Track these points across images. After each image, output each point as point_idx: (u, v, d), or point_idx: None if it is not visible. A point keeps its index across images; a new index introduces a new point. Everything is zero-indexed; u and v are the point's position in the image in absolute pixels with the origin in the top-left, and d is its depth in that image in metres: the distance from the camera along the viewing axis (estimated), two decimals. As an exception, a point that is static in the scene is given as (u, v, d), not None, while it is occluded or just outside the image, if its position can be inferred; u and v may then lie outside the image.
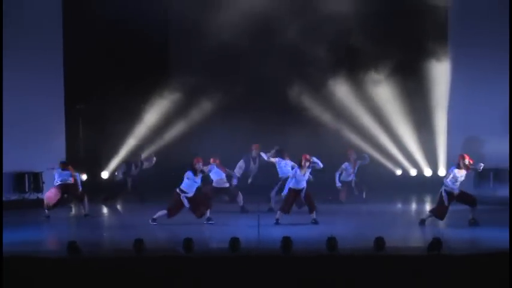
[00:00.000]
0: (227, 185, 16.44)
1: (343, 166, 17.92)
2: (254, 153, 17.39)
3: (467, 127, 18.03)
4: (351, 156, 18.06)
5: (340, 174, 17.80)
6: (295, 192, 14.57)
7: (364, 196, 17.97)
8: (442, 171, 19.07)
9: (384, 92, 19.86)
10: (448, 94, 18.66)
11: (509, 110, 13.79)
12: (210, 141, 17.66)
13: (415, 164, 20.48)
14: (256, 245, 11.81)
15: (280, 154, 16.74)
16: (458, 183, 14.02)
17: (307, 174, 14.60)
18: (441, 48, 18.84)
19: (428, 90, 19.60)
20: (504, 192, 17.11)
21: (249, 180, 17.47)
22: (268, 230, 13.27)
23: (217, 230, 13.57)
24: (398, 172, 20.74)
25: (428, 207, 16.35)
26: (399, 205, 18.26)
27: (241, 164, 17.29)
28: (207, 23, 18.68)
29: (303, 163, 14.49)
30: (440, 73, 18.98)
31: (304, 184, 14.57)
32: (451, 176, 13.96)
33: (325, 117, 20.18)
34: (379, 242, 10.88)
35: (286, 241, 10.83)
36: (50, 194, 15.83)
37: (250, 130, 18.43)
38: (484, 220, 14.41)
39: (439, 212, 14.05)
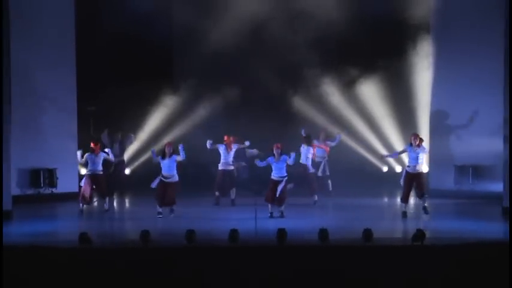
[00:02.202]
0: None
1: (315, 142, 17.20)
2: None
3: (449, 126, 17.98)
4: (320, 135, 17.49)
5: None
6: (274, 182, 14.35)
7: (330, 188, 17.59)
8: (425, 168, 19.01)
9: (370, 92, 19.80)
10: (430, 94, 18.60)
11: (510, 109, 13.73)
12: (211, 138, 17.61)
13: (400, 161, 20.46)
14: (253, 236, 11.81)
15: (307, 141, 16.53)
16: (416, 161, 14.09)
17: (282, 162, 14.25)
18: (424, 49, 18.79)
19: (412, 90, 19.53)
20: (482, 187, 17.11)
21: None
22: (264, 223, 13.28)
23: (218, 223, 13.54)
24: (385, 169, 20.70)
25: (412, 201, 16.34)
26: (385, 199, 18.24)
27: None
28: (207, 31, 18.73)
29: (274, 151, 14.26)
30: (423, 74, 18.92)
31: (282, 173, 14.32)
32: (407, 153, 14.17)
33: (316, 116, 20.13)
34: (367, 233, 10.87)
35: (281, 232, 10.82)
36: (83, 187, 15.45)
37: (248, 127, 18.31)
38: (464, 213, 14.45)
39: (404, 194, 14.23)
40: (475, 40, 17.18)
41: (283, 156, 14.28)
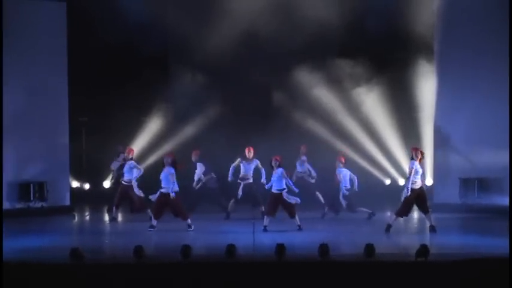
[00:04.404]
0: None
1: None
2: (193, 158, 17.05)
3: (453, 138, 18.00)
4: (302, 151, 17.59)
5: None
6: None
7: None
8: (429, 181, 18.99)
9: (372, 103, 19.81)
10: (434, 106, 18.62)
11: (510, 117, 13.72)
12: (206, 147, 17.57)
13: (403, 174, 20.43)
14: (251, 251, 11.76)
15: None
16: (419, 176, 13.90)
17: (276, 175, 14.27)
18: (428, 59, 18.85)
19: (416, 102, 19.59)
20: (488, 201, 17.09)
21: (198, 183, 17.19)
22: (262, 237, 13.23)
23: (214, 237, 13.49)
24: (387, 182, 20.68)
25: (416, 215, 16.29)
26: (388, 213, 18.16)
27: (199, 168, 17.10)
28: (202, 41, 18.79)
29: (273, 163, 14.30)
30: (427, 85, 18.97)
31: (281, 185, 14.27)
32: (414, 170, 13.86)
33: (316, 126, 20.10)
34: (369, 248, 10.81)
35: (280, 247, 10.76)
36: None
37: (243, 137, 18.28)
38: (470, 228, 14.40)
39: (404, 210, 14.01)
40: (479, 51, 17.26)
41: (280, 169, 14.26)
